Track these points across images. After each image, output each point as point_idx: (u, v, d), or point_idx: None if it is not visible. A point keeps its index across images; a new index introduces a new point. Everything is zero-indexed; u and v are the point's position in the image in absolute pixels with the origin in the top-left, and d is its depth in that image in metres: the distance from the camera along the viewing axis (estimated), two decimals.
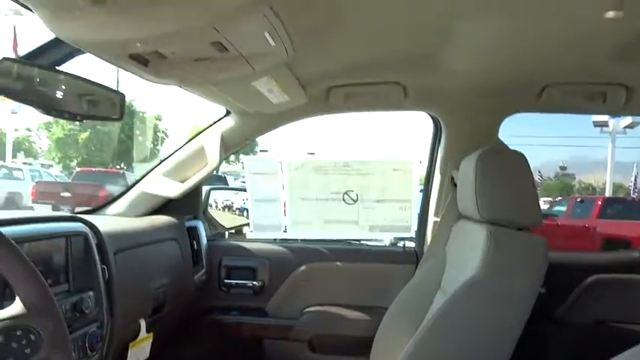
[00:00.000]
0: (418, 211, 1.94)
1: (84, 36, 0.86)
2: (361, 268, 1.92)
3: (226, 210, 2.99)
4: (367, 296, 1.87)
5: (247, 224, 2.17)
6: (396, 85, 1.60)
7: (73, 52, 0.99)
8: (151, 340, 1.48)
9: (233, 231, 2.28)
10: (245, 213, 2.70)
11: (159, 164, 1.85)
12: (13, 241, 0.70)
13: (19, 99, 0.95)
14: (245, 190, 2.09)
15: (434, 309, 1.22)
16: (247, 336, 1.89)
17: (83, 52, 0.98)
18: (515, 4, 0.99)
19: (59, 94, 1.00)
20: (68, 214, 1.33)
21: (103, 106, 1.13)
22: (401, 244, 2.01)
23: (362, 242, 2.07)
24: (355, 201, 1.95)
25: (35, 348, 0.67)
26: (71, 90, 1.03)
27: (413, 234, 1.95)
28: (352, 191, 1.95)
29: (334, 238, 2.02)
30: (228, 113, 1.79)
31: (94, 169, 13.12)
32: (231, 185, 10.18)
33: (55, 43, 0.98)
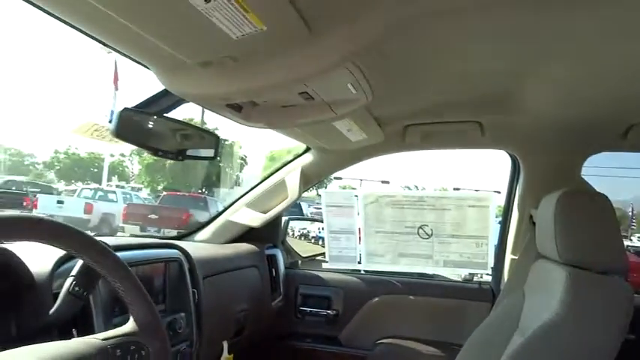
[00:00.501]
0: (494, 247, 1.92)
1: (190, 90, 0.99)
2: (435, 303, 1.91)
3: (302, 238, 3.10)
4: (441, 331, 1.86)
5: (322, 253, 2.25)
6: (472, 123, 1.62)
7: (179, 101, 1.13)
8: None
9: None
10: (320, 241, 2.80)
11: (243, 195, 1.99)
12: (128, 266, 0.81)
13: (132, 142, 1.10)
14: (320, 221, 2.18)
15: (509, 350, 1.21)
16: None
17: (187, 102, 1.12)
18: (595, 45, 0.99)
19: (166, 138, 1.15)
20: (166, 241, 1.47)
21: (201, 146, 1.27)
22: (476, 278, 1.99)
23: (436, 277, 2.07)
24: (430, 235, 1.97)
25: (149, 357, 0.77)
26: (175, 133, 1.18)
27: (489, 270, 1.93)
28: (427, 225, 1.97)
29: (408, 272, 2.04)
30: (308, 149, 1.90)
31: (178, 193, 13.93)
32: (305, 210, 10.39)
33: (164, 93, 1.12)
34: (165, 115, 1.14)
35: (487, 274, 1.95)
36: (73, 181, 22.04)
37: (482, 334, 1.49)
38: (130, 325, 0.79)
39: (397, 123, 1.67)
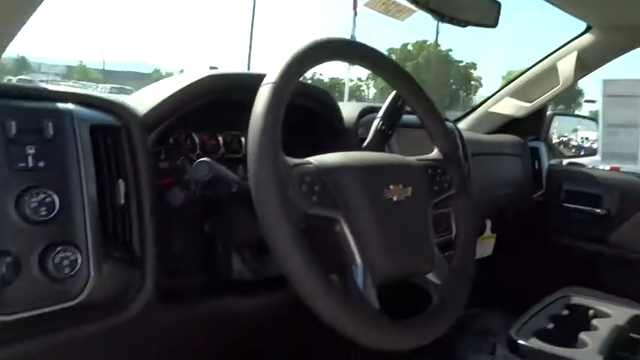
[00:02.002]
0: None
1: None
2: None
3: (562, 146, 2.86)
4: None
5: (589, 154, 2.06)
6: None
7: None
8: (494, 240, 1.63)
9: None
10: (582, 151, 2.55)
11: (505, 85, 1.92)
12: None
13: (422, 7, 1.16)
14: (591, 119, 1.97)
15: None
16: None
17: None
18: None
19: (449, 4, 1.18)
20: None
21: (479, 13, 1.27)
22: None
23: None
24: None
25: (450, 185, 0.86)
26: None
27: None
28: None
29: None
30: (588, 29, 1.69)
31: None
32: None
33: None
34: None
35: None
36: None
37: None
38: (435, 153, 0.89)
39: None
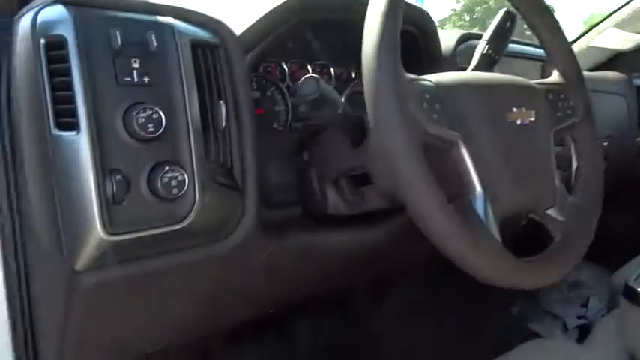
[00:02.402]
0: None
1: None
2: None
3: None
4: None
5: None
6: None
7: None
8: None
9: None
10: None
11: (608, 16, 1.72)
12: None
13: None
14: None
15: None
16: None
17: None
18: None
19: None
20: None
21: None
22: None
23: None
24: None
25: (573, 113, 0.77)
26: None
27: None
28: None
29: None
30: None
31: None
32: None
33: None
34: None
35: None
36: None
37: None
38: (556, 77, 0.78)
39: None
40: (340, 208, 0.86)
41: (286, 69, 0.95)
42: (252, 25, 0.77)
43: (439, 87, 0.62)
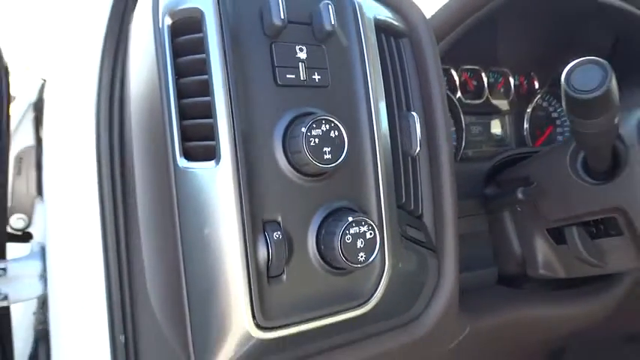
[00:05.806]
0: None
1: None
2: None
3: None
4: None
5: None
6: None
7: None
8: None
9: None
10: None
11: None
12: None
13: None
14: None
15: None
16: None
17: None
18: None
19: None
20: None
21: None
22: None
23: None
24: None
25: None
26: None
27: None
28: None
29: None
30: None
31: None
32: None
33: None
34: None
35: None
36: None
37: None
38: None
39: None
40: (557, 269, 0.59)
41: (456, 78, 0.71)
42: (440, 10, 0.54)
43: None
